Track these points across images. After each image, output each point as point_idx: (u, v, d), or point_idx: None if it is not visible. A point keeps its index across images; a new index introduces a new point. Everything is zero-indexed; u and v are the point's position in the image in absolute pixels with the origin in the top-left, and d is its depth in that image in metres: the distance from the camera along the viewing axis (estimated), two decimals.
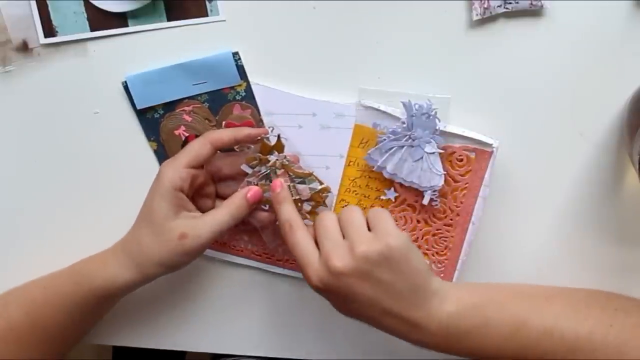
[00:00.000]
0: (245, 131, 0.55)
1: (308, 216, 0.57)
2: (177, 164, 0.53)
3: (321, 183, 0.56)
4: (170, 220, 0.52)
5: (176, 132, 0.58)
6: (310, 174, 0.56)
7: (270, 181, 0.55)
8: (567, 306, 0.50)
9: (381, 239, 0.48)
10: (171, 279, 0.62)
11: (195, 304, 0.64)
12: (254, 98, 0.58)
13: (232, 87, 0.57)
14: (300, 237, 0.51)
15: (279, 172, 0.55)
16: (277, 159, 0.55)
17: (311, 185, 0.56)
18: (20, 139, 0.59)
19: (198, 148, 0.54)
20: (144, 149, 0.59)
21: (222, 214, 0.53)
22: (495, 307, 0.50)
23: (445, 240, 0.59)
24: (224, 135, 0.55)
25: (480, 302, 0.50)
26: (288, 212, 0.53)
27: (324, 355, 0.65)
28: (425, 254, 0.60)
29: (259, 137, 0.55)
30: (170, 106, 0.58)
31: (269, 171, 0.56)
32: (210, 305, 0.64)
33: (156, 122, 0.58)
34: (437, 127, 0.55)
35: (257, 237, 0.61)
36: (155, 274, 0.54)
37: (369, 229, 0.50)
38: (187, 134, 0.59)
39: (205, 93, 0.58)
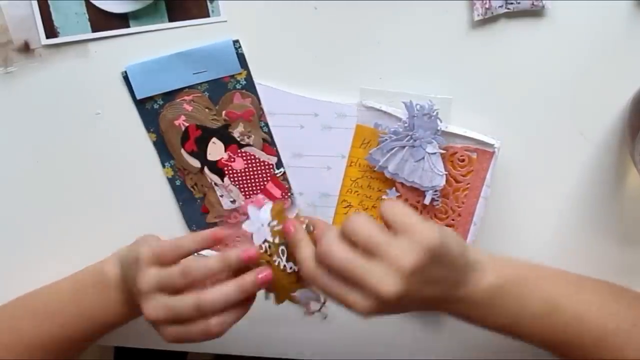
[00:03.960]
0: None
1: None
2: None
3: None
4: None
5: (176, 122, 0.58)
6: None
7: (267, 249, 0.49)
8: (596, 297, 0.51)
9: (416, 244, 0.43)
10: None
11: None
12: (254, 87, 0.58)
13: (232, 76, 0.57)
14: (327, 282, 0.45)
15: (276, 240, 0.49)
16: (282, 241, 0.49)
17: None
18: (22, 139, 0.59)
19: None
20: (144, 147, 0.59)
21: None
22: (530, 285, 0.49)
23: None
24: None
25: (517, 279, 0.49)
26: (307, 265, 0.46)
27: (324, 355, 0.65)
28: None
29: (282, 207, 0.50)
30: (170, 96, 0.58)
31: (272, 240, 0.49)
32: None
33: (155, 112, 0.58)
34: (439, 128, 0.55)
35: None
36: None
37: (389, 226, 0.45)
38: (187, 124, 0.59)
39: (206, 82, 0.58)
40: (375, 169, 0.57)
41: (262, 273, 0.48)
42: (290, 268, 0.48)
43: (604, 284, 0.53)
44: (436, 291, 0.46)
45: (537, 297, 0.49)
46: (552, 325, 0.49)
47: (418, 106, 0.55)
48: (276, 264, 0.48)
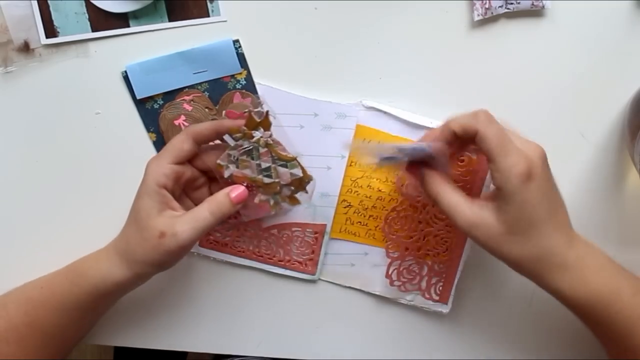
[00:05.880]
0: (227, 124, 0.53)
1: (287, 200, 0.55)
2: (161, 161, 0.52)
3: (304, 171, 0.54)
4: (152, 219, 0.51)
5: (176, 122, 0.59)
6: (294, 159, 0.53)
7: (252, 158, 0.53)
8: None
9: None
10: (172, 279, 0.62)
11: (196, 304, 0.64)
12: (254, 86, 0.58)
13: (232, 76, 0.57)
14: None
15: (262, 150, 0.53)
16: (261, 136, 0.52)
17: (292, 171, 0.53)
18: (22, 139, 0.59)
19: (179, 144, 0.53)
20: (144, 147, 0.59)
21: (202, 212, 0.51)
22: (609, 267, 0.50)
23: (446, 242, 0.59)
24: (205, 128, 0.53)
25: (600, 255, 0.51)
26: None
27: (324, 355, 0.65)
28: (427, 254, 0.60)
29: (246, 111, 0.52)
30: (170, 96, 0.58)
31: (251, 147, 0.53)
32: (211, 305, 0.64)
33: (155, 112, 0.58)
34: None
35: (259, 238, 0.61)
36: (146, 272, 0.53)
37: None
38: (187, 124, 0.59)
39: (206, 82, 0.58)
40: (376, 164, 0.57)
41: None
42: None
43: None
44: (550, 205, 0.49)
45: (627, 276, 0.50)
46: None
47: (412, 149, 0.50)
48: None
